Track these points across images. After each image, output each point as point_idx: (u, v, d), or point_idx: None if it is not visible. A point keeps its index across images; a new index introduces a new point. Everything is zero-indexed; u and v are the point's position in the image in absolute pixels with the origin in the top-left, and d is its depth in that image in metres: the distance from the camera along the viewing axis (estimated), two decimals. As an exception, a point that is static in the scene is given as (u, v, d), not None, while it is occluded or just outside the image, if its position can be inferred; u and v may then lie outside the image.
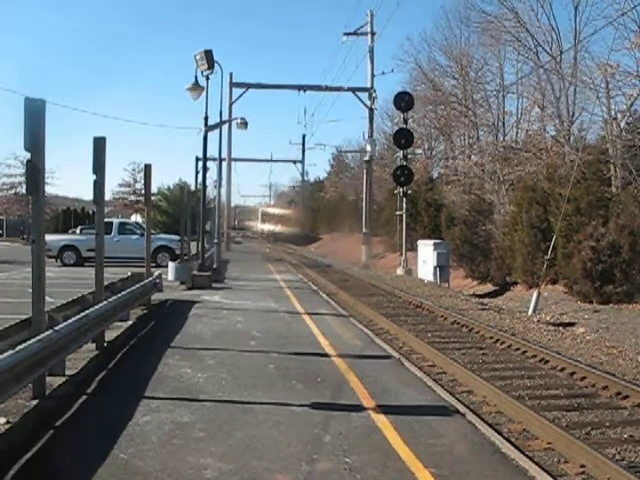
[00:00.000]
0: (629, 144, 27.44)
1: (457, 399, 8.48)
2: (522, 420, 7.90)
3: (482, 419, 7.65)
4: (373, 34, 37.26)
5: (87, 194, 75.81)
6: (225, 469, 5.64)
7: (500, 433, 7.19)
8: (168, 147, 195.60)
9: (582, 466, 6.43)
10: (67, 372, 8.79)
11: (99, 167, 10.27)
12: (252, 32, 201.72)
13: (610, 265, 20.99)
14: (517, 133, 38.55)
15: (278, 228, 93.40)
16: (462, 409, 7.82)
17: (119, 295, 11.97)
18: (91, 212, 63.77)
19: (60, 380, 8.44)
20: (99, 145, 10.32)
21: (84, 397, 7.94)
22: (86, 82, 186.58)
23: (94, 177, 10.26)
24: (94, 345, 10.27)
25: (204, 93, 22.03)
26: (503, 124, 38.50)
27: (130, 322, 13.18)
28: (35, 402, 7.50)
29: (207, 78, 21.76)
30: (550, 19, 32.96)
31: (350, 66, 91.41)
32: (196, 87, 21.52)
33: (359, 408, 7.63)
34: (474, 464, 6.05)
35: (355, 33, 38.00)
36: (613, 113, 29.33)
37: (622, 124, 29.45)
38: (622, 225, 21.65)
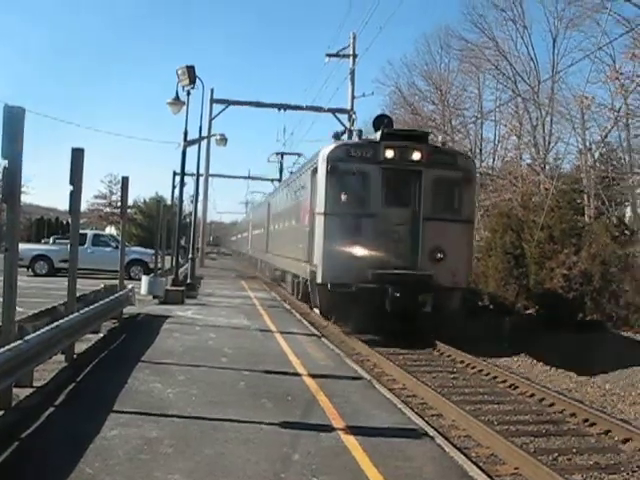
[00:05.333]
0: (602, 175, 27.96)
1: (427, 422, 8.51)
2: (490, 445, 7.96)
3: (451, 442, 7.70)
4: (355, 56, 37.48)
5: (61, 204, 75.07)
6: (192, 486, 5.60)
7: (468, 457, 7.23)
8: (145, 160, 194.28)
9: (548, 492, 6.49)
10: (35, 383, 8.68)
11: (76, 178, 10.22)
12: (235, 47, 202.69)
13: (581, 293, 21.21)
14: (494, 160, 39.01)
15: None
16: (431, 432, 7.84)
17: (91, 307, 11.88)
18: (65, 222, 63.26)
19: (27, 391, 8.33)
20: (77, 156, 10.26)
21: (51, 409, 7.85)
22: (61, 92, 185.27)
23: (71, 188, 10.20)
24: (63, 357, 10.15)
25: (184, 108, 22.10)
26: (480, 151, 38.94)
27: (101, 335, 13.06)
28: (0, 413, 7.40)
29: (188, 93, 21.84)
30: (529, 49, 33.60)
31: (331, 86, 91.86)
32: (177, 102, 21.57)
33: (328, 428, 7.61)
34: (441, 487, 6.07)
35: (337, 55, 38.19)
36: (588, 144, 29.92)
37: (596, 155, 30.03)
38: (594, 254, 21.89)
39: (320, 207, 16.94)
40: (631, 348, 15.21)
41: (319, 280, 16.45)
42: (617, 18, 25.11)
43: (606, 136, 29.54)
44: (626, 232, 23.45)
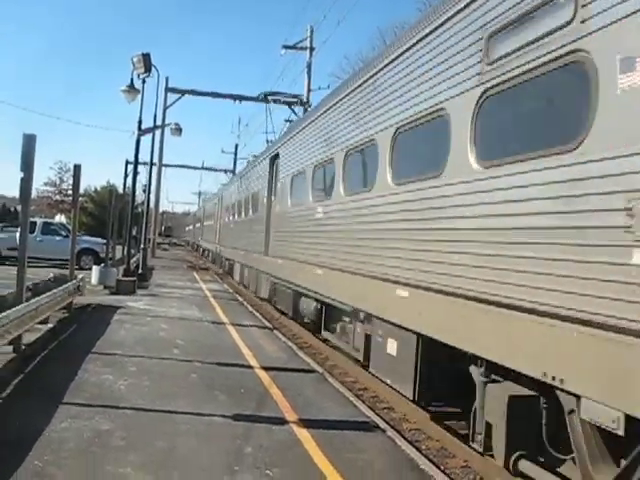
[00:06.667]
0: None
1: (378, 415, 8.60)
2: (440, 438, 8.07)
3: (402, 435, 7.79)
4: (312, 49, 37.49)
5: (8, 190, 73.57)
6: (145, 479, 5.56)
7: (419, 449, 7.34)
8: (97, 148, 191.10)
9: (496, 484, 6.58)
10: (-19, 374, 8.52)
11: (27, 164, 10.01)
12: (190, 41, 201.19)
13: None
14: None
15: None
16: (383, 425, 7.94)
17: (41, 297, 11.66)
18: (13, 209, 61.99)
19: (-26, 382, 8.17)
20: (29, 142, 10.05)
21: (-1, 401, 7.71)
22: (13, 77, 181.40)
23: (21, 174, 10.00)
24: (11, 348, 9.94)
25: (139, 96, 21.83)
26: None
27: (50, 325, 12.81)
28: (-54, 404, 7.24)
29: (143, 81, 21.56)
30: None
31: (287, 79, 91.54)
32: (131, 89, 21.28)
33: (281, 421, 7.65)
34: (393, 479, 6.16)
35: (294, 47, 38.12)
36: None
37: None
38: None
39: None
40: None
41: None
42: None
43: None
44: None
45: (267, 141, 32.25)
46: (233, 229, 29.11)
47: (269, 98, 33.99)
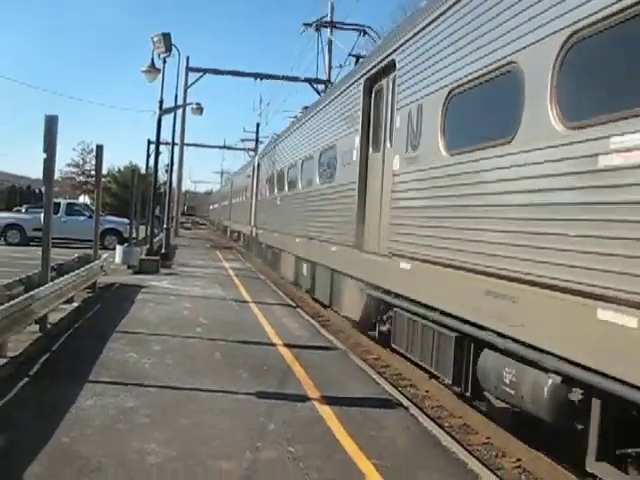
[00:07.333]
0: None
1: (400, 392, 8.62)
2: (462, 415, 8.08)
3: (424, 412, 7.79)
4: (333, 26, 37.17)
5: (34, 172, 74.20)
6: (169, 455, 5.63)
7: (441, 427, 7.34)
8: (119, 129, 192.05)
9: (518, 460, 6.64)
10: (9, 354, 8.61)
11: (50, 145, 10.10)
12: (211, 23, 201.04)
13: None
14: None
15: None
16: (405, 402, 7.95)
17: (65, 277, 11.80)
18: (37, 190, 62.49)
19: (0, 362, 8.28)
20: (51, 123, 10.13)
21: (25, 379, 7.82)
22: (38, 59, 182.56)
23: (44, 155, 10.08)
24: (38, 327, 10.08)
25: (159, 76, 21.84)
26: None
27: (75, 304, 12.97)
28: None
29: (164, 61, 21.59)
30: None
31: (308, 57, 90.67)
32: (152, 69, 21.31)
33: (304, 398, 7.69)
34: (415, 456, 6.17)
35: (315, 24, 37.85)
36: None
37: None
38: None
39: None
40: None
41: None
42: None
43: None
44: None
45: (317, 92, 29.51)
46: (280, 207, 21.71)
47: (322, 26, 30.62)
